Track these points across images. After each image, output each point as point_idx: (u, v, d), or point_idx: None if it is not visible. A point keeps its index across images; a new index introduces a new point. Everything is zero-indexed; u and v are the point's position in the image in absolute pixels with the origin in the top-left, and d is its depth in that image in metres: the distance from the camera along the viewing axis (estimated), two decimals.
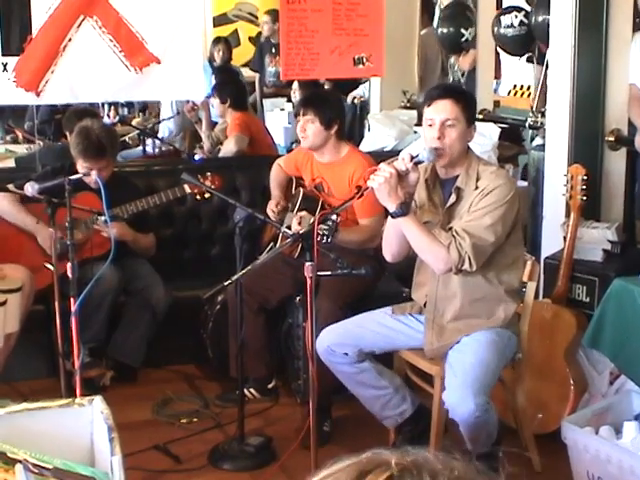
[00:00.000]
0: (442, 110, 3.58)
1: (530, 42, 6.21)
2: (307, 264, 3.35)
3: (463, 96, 3.71)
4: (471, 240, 3.47)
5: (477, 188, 3.58)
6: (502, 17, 6.34)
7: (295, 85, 8.39)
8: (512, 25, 6.22)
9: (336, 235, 3.54)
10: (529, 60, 6.99)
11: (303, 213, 4.49)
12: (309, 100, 4.80)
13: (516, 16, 6.19)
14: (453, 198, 3.63)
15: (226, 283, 3.63)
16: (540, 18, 5.78)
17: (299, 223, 4.39)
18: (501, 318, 3.68)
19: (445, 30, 7.47)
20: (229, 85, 7.22)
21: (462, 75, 7.77)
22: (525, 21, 6.15)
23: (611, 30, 4.80)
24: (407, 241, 3.57)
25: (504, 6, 7.07)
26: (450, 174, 3.67)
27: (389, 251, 3.78)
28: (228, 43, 9.62)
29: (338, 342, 3.82)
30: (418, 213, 3.66)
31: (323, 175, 4.68)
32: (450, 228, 3.56)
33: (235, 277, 3.66)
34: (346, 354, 3.81)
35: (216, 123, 7.50)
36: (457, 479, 0.96)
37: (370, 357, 3.87)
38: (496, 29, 6.40)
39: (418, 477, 0.96)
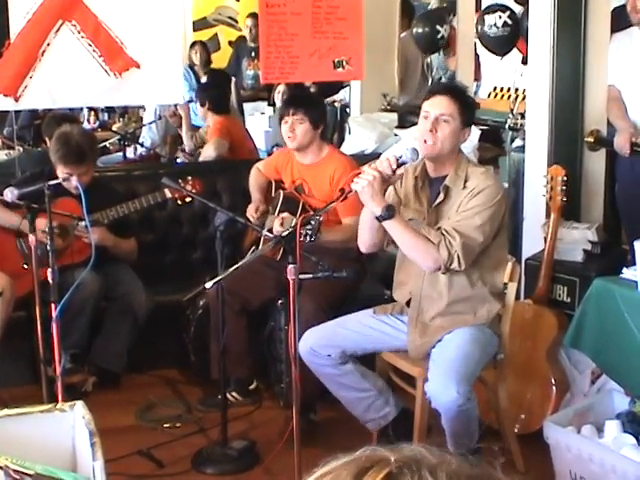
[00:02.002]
0: (438, 105, 3.62)
1: (512, 43, 6.23)
2: (290, 266, 3.35)
3: (462, 96, 3.75)
4: (461, 239, 3.50)
5: (465, 188, 3.61)
6: (486, 16, 6.35)
7: (281, 88, 8.40)
8: (495, 25, 6.23)
9: (319, 235, 3.55)
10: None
11: (285, 214, 4.50)
12: (298, 100, 4.82)
13: (500, 17, 6.20)
14: (441, 197, 3.66)
15: (206, 286, 3.64)
16: None
17: (281, 224, 4.40)
18: (484, 316, 3.71)
19: (420, 30, 7.48)
20: (209, 89, 7.22)
21: (446, 74, 7.78)
22: (509, 22, 6.16)
23: (589, 32, 4.82)
24: (381, 234, 3.60)
25: (488, 4, 7.03)
26: (440, 172, 3.70)
27: (362, 242, 3.80)
28: (205, 45, 9.60)
29: (321, 343, 3.83)
30: (403, 211, 3.68)
31: (304, 176, 4.69)
32: (439, 228, 3.58)
33: (214, 281, 3.66)
34: (329, 355, 3.82)
35: (198, 127, 7.50)
36: (454, 473, 0.96)
37: (353, 359, 3.88)
38: (480, 27, 6.42)
39: (417, 472, 0.96)
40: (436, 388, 3.47)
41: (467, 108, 3.71)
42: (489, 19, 6.26)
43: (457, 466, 0.98)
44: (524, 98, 6.06)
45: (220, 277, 3.68)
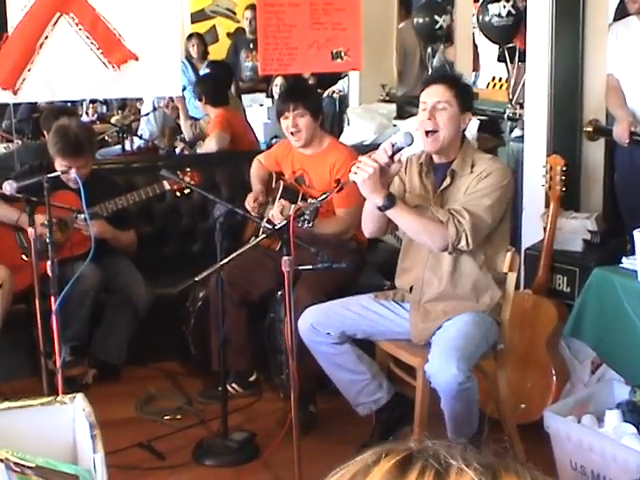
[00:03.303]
0: (434, 93, 3.65)
1: (515, 33, 6.22)
2: (284, 258, 3.36)
3: (457, 82, 3.80)
4: (470, 219, 3.52)
5: (472, 173, 3.65)
6: (490, 5, 6.33)
7: (278, 80, 8.39)
8: (500, 15, 6.21)
9: (317, 220, 3.55)
10: (500, 60, 7.00)
11: (284, 202, 4.49)
12: (295, 93, 4.77)
13: (504, 6, 6.19)
14: (448, 181, 3.68)
15: (197, 278, 3.65)
16: None
17: (281, 212, 4.39)
18: (486, 303, 3.72)
19: (421, 20, 7.47)
20: (204, 82, 7.21)
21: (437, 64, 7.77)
22: (513, 11, 6.15)
23: (588, 21, 4.81)
24: (385, 220, 3.61)
25: None
26: (444, 159, 3.72)
27: (367, 229, 3.83)
28: (201, 37, 9.61)
29: (321, 322, 3.84)
30: (408, 197, 3.69)
31: (304, 166, 4.69)
32: (447, 209, 3.59)
33: (206, 272, 3.67)
34: (328, 334, 3.83)
35: (197, 118, 7.49)
36: (472, 458, 0.97)
37: (351, 341, 3.89)
38: (481, 16, 6.39)
39: (435, 457, 0.97)
40: (436, 366, 3.47)
41: (464, 93, 3.74)
42: (493, 8, 6.24)
43: (474, 453, 0.99)
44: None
45: (210, 270, 3.69)
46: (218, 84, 7.17)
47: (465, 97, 3.73)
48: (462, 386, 3.42)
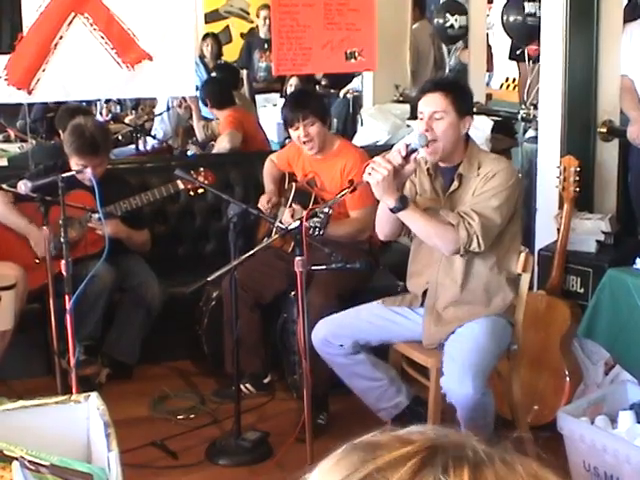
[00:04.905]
0: (430, 103, 3.62)
1: (537, 35, 6.21)
2: (297, 259, 3.36)
3: (453, 88, 3.73)
4: (480, 220, 3.51)
5: (479, 175, 3.63)
6: (526, 3, 6.30)
7: (293, 81, 8.39)
8: (534, 14, 6.20)
9: (328, 227, 3.55)
10: (512, 58, 6.98)
11: (296, 206, 4.49)
12: (301, 103, 4.70)
13: (539, 7, 6.18)
14: (455, 184, 3.67)
15: (209, 278, 3.65)
16: None
17: (292, 216, 4.40)
18: (499, 305, 3.71)
19: (441, 21, 7.47)
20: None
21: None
22: None
23: (602, 22, 4.80)
24: (399, 222, 3.60)
25: None
26: (449, 163, 3.71)
27: (381, 231, 3.82)
28: (217, 38, 9.62)
29: (334, 333, 3.84)
30: (419, 200, 3.69)
31: (315, 169, 4.68)
32: (457, 212, 3.59)
33: (218, 272, 3.67)
34: (342, 345, 3.83)
35: (208, 118, 7.50)
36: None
37: (365, 349, 3.89)
38: (510, 15, 6.34)
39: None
40: (451, 383, 3.47)
41: (460, 98, 3.68)
42: (529, 7, 6.20)
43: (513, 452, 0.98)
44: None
45: (223, 270, 3.69)
46: (219, 86, 7.17)
47: (462, 102, 3.67)
48: (477, 402, 3.43)
